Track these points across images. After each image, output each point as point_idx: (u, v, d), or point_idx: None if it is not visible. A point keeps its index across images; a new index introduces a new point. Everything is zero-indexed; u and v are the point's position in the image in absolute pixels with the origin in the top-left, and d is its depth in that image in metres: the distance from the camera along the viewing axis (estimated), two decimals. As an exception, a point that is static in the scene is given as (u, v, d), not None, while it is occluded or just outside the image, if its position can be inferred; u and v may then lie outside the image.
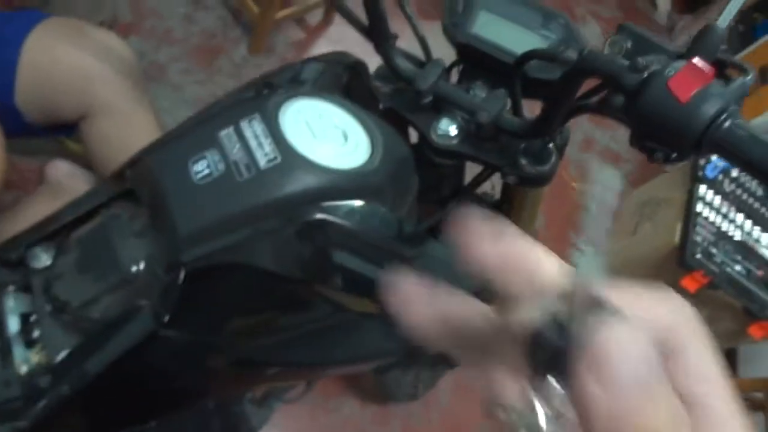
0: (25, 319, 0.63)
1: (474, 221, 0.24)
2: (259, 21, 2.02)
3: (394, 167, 0.61)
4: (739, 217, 1.90)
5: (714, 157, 1.93)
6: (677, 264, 1.80)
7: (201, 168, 0.56)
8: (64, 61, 1.12)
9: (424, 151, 0.75)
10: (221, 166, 0.55)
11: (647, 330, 0.20)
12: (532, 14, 0.75)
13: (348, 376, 1.65)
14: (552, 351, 0.20)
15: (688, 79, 0.46)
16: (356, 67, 0.78)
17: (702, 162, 1.94)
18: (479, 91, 0.76)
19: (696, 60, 0.47)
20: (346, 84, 0.76)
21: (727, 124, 0.46)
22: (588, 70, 0.54)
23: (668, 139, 0.49)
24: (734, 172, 1.95)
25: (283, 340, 0.67)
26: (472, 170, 0.84)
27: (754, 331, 1.77)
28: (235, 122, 0.58)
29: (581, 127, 2.55)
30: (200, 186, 0.55)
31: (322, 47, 2.26)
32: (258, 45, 2.11)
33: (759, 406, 1.74)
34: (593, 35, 2.96)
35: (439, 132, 0.73)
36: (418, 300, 0.25)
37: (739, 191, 1.95)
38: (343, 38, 2.07)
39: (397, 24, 0.74)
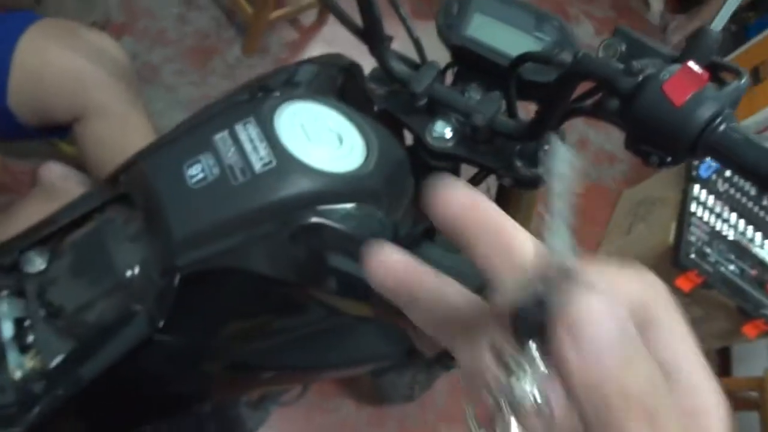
0: (19, 324, 0.62)
1: (452, 187, 0.25)
2: (253, 21, 2.01)
3: (390, 170, 0.61)
4: (733, 217, 1.91)
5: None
6: (671, 264, 1.81)
7: (196, 172, 0.56)
8: (56, 62, 1.11)
9: (420, 153, 0.75)
10: (216, 170, 0.55)
11: (622, 301, 0.21)
12: (526, 16, 0.75)
13: (344, 378, 1.65)
14: (532, 322, 0.21)
15: (683, 82, 0.46)
16: (351, 69, 0.78)
17: (696, 162, 1.94)
18: (474, 94, 0.76)
19: (690, 63, 0.47)
20: (340, 86, 0.76)
21: (721, 127, 0.46)
22: (583, 73, 0.54)
23: (663, 142, 0.49)
24: (728, 172, 1.96)
25: (279, 344, 0.67)
26: (467, 172, 0.83)
27: (748, 330, 1.78)
28: (230, 126, 0.58)
29: (576, 127, 2.56)
30: (195, 190, 0.55)
31: (316, 48, 2.25)
32: (252, 45, 2.10)
33: (753, 405, 1.74)
34: (586, 35, 2.97)
35: (435, 134, 0.73)
36: (396, 266, 0.26)
37: (732, 191, 1.95)
38: (336, 38, 2.07)
39: (390, 25, 0.74)
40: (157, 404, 0.68)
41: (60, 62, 1.12)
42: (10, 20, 1.12)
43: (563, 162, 0.24)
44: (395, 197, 0.63)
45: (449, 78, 0.81)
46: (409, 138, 0.78)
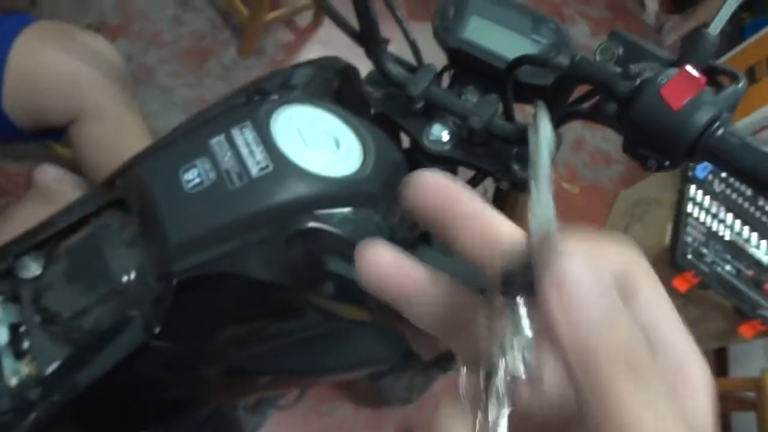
0: (14, 330, 0.62)
1: (429, 176, 0.25)
2: (249, 23, 2.01)
3: (387, 174, 0.61)
4: (729, 217, 1.91)
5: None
6: (668, 264, 1.81)
7: (192, 177, 0.55)
8: (51, 65, 1.11)
9: (416, 156, 0.75)
10: (212, 175, 0.55)
11: (605, 268, 0.22)
12: (523, 19, 0.75)
13: (341, 381, 1.65)
14: (521, 283, 0.22)
15: (681, 86, 0.46)
16: (347, 71, 0.78)
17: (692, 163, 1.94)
18: (471, 96, 0.76)
19: (688, 67, 0.47)
20: (337, 89, 0.76)
21: (719, 132, 0.46)
22: (580, 77, 0.54)
23: (661, 146, 0.49)
24: (724, 173, 1.96)
25: (276, 348, 0.67)
26: (464, 175, 0.83)
27: (745, 330, 1.78)
28: (226, 130, 0.58)
29: (572, 128, 2.56)
30: (191, 195, 0.55)
31: (311, 49, 2.25)
32: (247, 47, 2.10)
33: (750, 406, 1.75)
34: (582, 35, 2.97)
35: (432, 138, 0.72)
36: (387, 264, 0.26)
37: (728, 191, 1.96)
38: (332, 40, 2.07)
39: (386, 26, 0.74)
40: (153, 410, 0.67)
41: (55, 64, 1.11)
42: (5, 23, 1.11)
43: (546, 131, 0.25)
44: (392, 201, 0.62)
45: (446, 81, 0.81)
46: (405, 141, 0.78)
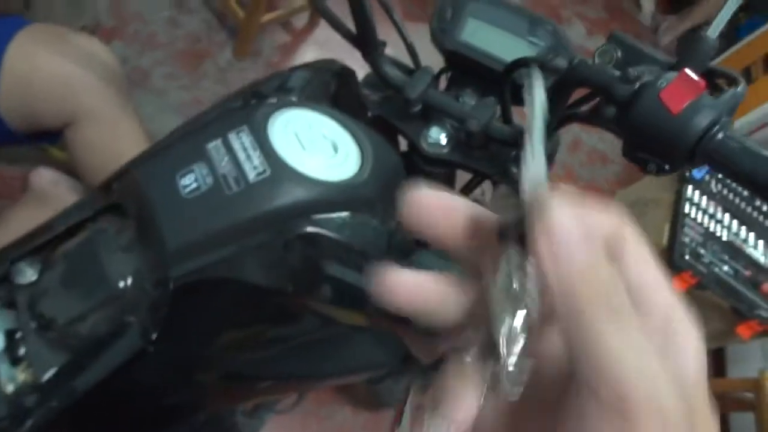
0: (10, 336, 0.61)
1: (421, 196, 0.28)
2: (245, 24, 2.00)
3: (385, 178, 0.61)
4: (726, 218, 1.91)
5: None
6: (665, 265, 1.80)
7: (189, 181, 0.55)
8: (46, 68, 1.11)
9: (414, 159, 0.75)
10: (209, 180, 0.55)
11: (594, 229, 0.24)
12: (520, 21, 0.75)
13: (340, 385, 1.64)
14: (514, 235, 0.25)
15: (680, 90, 0.46)
16: (344, 74, 0.78)
17: (689, 163, 1.94)
18: (468, 99, 0.76)
19: (687, 71, 0.47)
20: (334, 92, 0.75)
21: (719, 135, 0.46)
22: (578, 80, 0.54)
23: (660, 150, 0.49)
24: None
25: (274, 353, 0.66)
26: (462, 177, 0.83)
27: (742, 330, 1.78)
28: (223, 134, 0.57)
29: (569, 128, 2.54)
30: (188, 200, 0.54)
31: (308, 50, 2.25)
32: (243, 49, 2.10)
33: (748, 406, 1.75)
34: (578, 36, 2.98)
35: (430, 140, 0.72)
36: (407, 286, 0.28)
37: (726, 191, 1.96)
38: (329, 41, 2.07)
39: (382, 27, 0.73)
40: (151, 415, 0.67)
41: (49, 67, 1.11)
42: (-1, 26, 1.11)
43: (540, 93, 0.27)
44: (391, 205, 0.62)
45: (443, 82, 0.80)
46: (403, 143, 0.78)
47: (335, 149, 0.59)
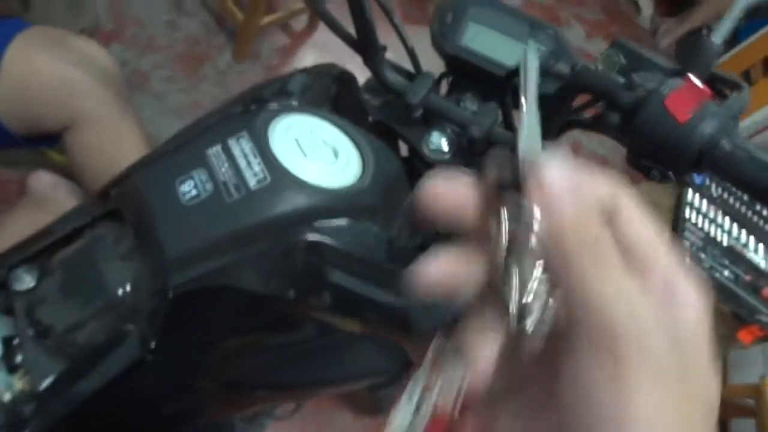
0: (7, 343, 0.61)
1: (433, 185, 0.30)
2: (244, 27, 2.00)
3: (386, 184, 0.60)
4: (727, 222, 1.91)
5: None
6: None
7: (188, 188, 0.54)
8: (44, 71, 1.10)
9: (415, 164, 0.74)
10: (209, 186, 0.54)
11: (593, 195, 0.26)
12: (521, 26, 0.75)
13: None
14: (512, 186, 0.27)
15: (685, 97, 0.46)
16: (344, 78, 0.77)
17: (689, 167, 1.94)
18: (470, 104, 0.75)
19: (692, 78, 0.46)
20: (334, 96, 0.75)
21: (726, 143, 0.46)
22: (582, 86, 0.54)
23: (665, 158, 0.49)
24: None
25: (274, 362, 0.66)
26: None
27: (743, 336, 1.78)
28: (223, 140, 0.57)
29: (569, 132, 2.55)
30: (188, 207, 0.54)
31: (307, 53, 2.24)
32: (242, 51, 2.09)
33: (749, 413, 1.74)
34: (577, 38, 2.97)
35: (431, 146, 0.72)
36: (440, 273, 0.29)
37: (726, 195, 1.95)
38: (328, 44, 2.06)
39: (381, 30, 0.73)
40: (150, 424, 0.66)
41: (48, 70, 1.10)
42: (-2, 28, 1.11)
43: (533, 62, 0.30)
44: (392, 211, 0.62)
45: (444, 87, 0.80)
46: (403, 148, 0.77)
47: (336, 155, 0.59)
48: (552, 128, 0.63)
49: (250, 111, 0.65)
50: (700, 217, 1.89)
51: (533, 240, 0.25)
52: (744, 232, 1.91)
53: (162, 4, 2.11)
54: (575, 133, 2.32)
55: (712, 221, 1.90)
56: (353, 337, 0.66)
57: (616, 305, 0.24)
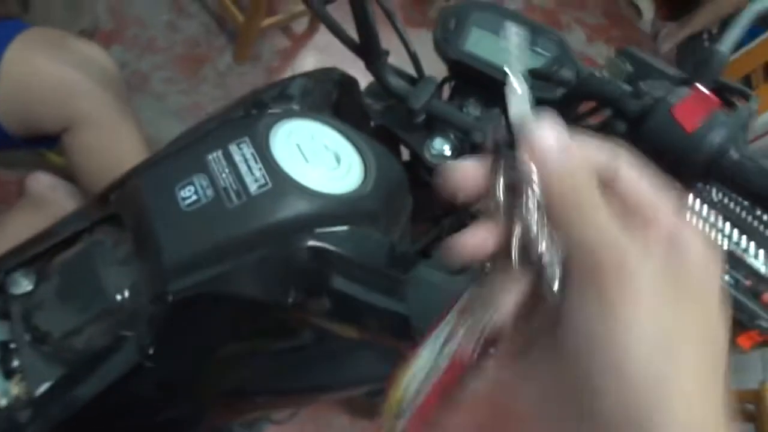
0: (3, 347, 0.60)
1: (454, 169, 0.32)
2: (244, 29, 1.99)
3: (388, 190, 0.60)
4: (727, 227, 1.90)
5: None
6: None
7: (188, 194, 0.54)
8: (44, 72, 1.09)
9: (417, 169, 0.74)
10: (210, 192, 0.53)
11: (592, 160, 0.28)
12: (524, 31, 0.74)
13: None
14: (506, 146, 0.29)
15: (693, 106, 0.45)
16: (346, 82, 0.77)
17: (689, 171, 1.94)
18: (473, 109, 0.75)
19: (700, 87, 0.46)
20: (336, 101, 0.74)
21: (734, 154, 0.45)
22: (587, 93, 0.53)
23: (673, 167, 0.48)
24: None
25: (273, 368, 0.65)
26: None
27: (743, 341, 1.77)
28: (224, 145, 0.56)
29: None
30: (188, 213, 0.53)
31: (308, 55, 2.24)
32: (243, 53, 2.09)
33: (749, 418, 1.73)
34: (578, 42, 2.97)
35: (434, 151, 0.71)
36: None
37: (726, 200, 1.95)
38: (329, 46, 2.06)
39: (383, 34, 0.72)
40: (148, 431, 0.66)
41: (48, 71, 1.10)
42: (-3, 30, 1.10)
43: (514, 38, 0.33)
44: (393, 217, 0.61)
45: (446, 91, 0.80)
46: (405, 153, 0.77)
47: (338, 161, 0.58)
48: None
49: (251, 116, 0.65)
50: (700, 222, 1.88)
51: (531, 191, 0.28)
52: (744, 236, 1.90)
53: (162, 5, 2.10)
54: (576, 137, 2.33)
55: (713, 226, 1.89)
56: (353, 343, 0.66)
57: (598, 240, 0.26)
